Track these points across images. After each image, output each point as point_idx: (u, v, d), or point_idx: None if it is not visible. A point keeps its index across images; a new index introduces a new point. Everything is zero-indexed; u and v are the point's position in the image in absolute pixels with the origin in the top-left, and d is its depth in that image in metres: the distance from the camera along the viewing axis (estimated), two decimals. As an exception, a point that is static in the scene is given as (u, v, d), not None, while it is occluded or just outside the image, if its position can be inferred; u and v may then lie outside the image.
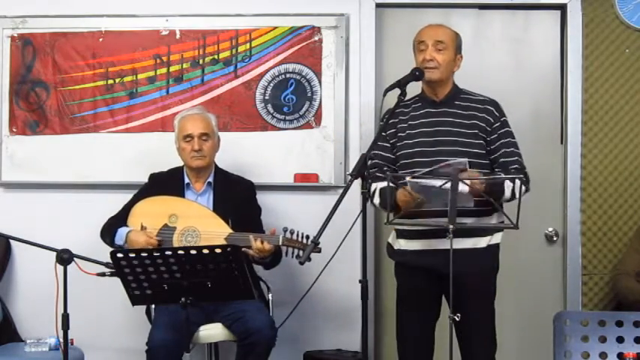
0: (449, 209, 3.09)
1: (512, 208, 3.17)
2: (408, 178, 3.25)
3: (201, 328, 3.72)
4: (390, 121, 3.50)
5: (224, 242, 3.62)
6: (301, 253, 3.53)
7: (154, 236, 3.73)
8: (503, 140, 3.48)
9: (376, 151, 3.48)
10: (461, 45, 3.56)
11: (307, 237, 3.60)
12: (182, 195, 3.90)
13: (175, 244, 3.70)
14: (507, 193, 3.37)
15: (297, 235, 3.64)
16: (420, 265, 3.47)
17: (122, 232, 3.79)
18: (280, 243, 3.64)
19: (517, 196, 3.33)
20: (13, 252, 4.37)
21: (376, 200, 3.49)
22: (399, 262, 3.60)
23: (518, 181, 3.34)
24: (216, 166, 3.98)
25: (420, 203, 3.26)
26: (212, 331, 3.75)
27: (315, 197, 4.29)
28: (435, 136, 3.46)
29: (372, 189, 3.46)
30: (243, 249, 3.57)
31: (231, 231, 3.70)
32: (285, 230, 3.65)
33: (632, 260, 4.00)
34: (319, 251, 3.42)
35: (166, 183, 3.94)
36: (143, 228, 3.78)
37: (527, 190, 3.42)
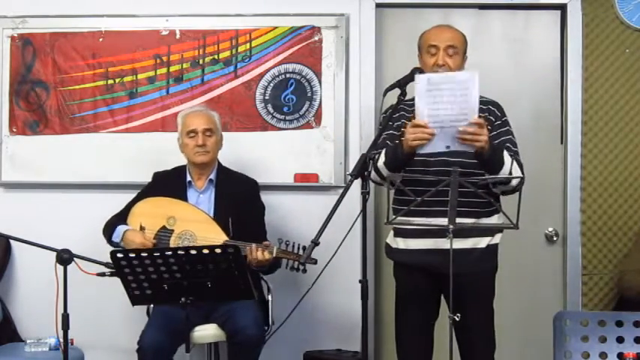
0: (449, 209, 3.09)
1: (512, 208, 3.17)
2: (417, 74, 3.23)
3: (196, 328, 3.72)
4: (394, 116, 3.49)
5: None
6: (296, 264, 3.52)
7: (150, 239, 3.73)
8: (503, 137, 3.47)
9: (385, 135, 3.44)
10: (467, 46, 3.55)
11: (304, 248, 3.58)
12: (184, 193, 3.90)
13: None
14: (507, 165, 3.31)
15: (292, 247, 3.63)
16: (418, 265, 3.47)
17: (120, 229, 3.79)
18: (274, 255, 3.63)
19: (513, 183, 3.32)
20: (13, 252, 4.37)
21: (381, 160, 3.38)
22: (398, 262, 3.60)
23: (516, 163, 3.34)
24: (219, 163, 3.98)
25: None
26: (206, 332, 3.75)
27: (315, 197, 4.29)
28: (438, 136, 3.46)
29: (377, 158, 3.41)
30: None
31: (227, 238, 3.69)
32: (280, 242, 3.64)
33: (637, 257, 4.00)
34: (315, 263, 3.42)
35: (169, 181, 3.95)
36: (142, 228, 3.78)
37: (520, 182, 3.35)
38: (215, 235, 3.68)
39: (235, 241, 3.61)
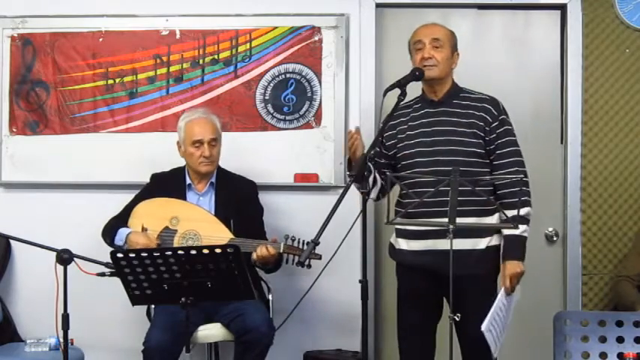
0: (449, 209, 3.09)
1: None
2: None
3: (200, 328, 3.73)
4: (390, 123, 3.49)
5: None
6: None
7: (153, 240, 3.73)
8: (501, 140, 3.47)
9: (372, 153, 3.46)
10: (457, 43, 3.56)
11: (308, 244, 3.59)
12: (184, 195, 3.90)
13: None
14: (527, 231, 3.42)
15: (299, 243, 3.64)
16: (419, 266, 3.47)
17: (122, 232, 3.79)
18: (282, 250, 3.64)
19: (529, 218, 3.39)
20: (13, 252, 4.37)
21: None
22: (400, 262, 3.60)
23: (526, 208, 3.36)
24: (218, 166, 3.98)
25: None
26: (211, 331, 3.76)
27: (315, 197, 4.29)
28: (434, 136, 3.46)
29: None
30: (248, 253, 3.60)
31: (232, 236, 3.70)
32: (286, 237, 3.64)
33: (634, 263, 4.00)
34: (319, 258, 3.43)
35: (168, 183, 3.94)
36: (144, 229, 3.78)
37: (529, 205, 3.44)
38: (220, 234, 3.68)
39: (241, 239, 3.62)
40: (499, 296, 3.25)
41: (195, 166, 3.88)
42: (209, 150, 3.84)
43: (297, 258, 3.56)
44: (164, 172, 4.03)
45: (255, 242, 3.65)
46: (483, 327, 3.04)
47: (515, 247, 3.40)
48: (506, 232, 3.41)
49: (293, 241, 3.63)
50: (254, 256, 3.62)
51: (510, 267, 3.37)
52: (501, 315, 3.21)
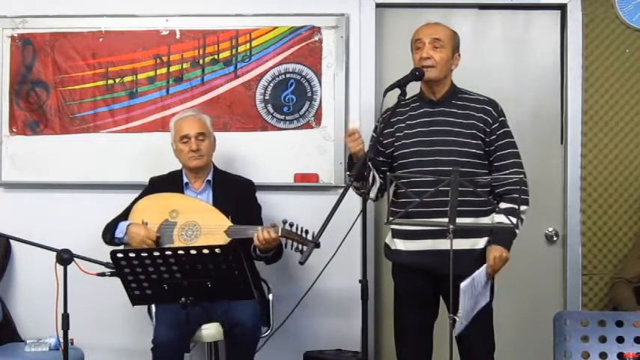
0: (449, 209, 3.09)
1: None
2: None
3: (203, 327, 3.73)
4: (391, 120, 3.50)
5: (225, 235, 3.64)
6: (300, 246, 3.53)
7: (153, 233, 3.74)
8: (501, 142, 3.47)
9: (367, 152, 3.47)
10: (459, 43, 3.56)
11: (306, 231, 3.60)
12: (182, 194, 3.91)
13: (175, 239, 3.72)
14: (519, 228, 3.37)
15: (297, 229, 3.64)
16: (417, 266, 3.47)
17: (123, 225, 3.81)
18: (280, 234, 3.64)
19: (523, 217, 3.36)
20: (13, 252, 4.37)
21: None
22: (396, 263, 3.60)
23: (524, 207, 3.34)
24: (214, 166, 3.99)
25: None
26: (211, 331, 3.76)
27: (315, 197, 4.29)
28: (432, 136, 3.46)
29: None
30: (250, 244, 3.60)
31: (230, 224, 3.70)
32: (284, 222, 3.64)
33: (633, 267, 3.99)
34: (318, 246, 3.42)
35: (166, 184, 3.96)
36: (144, 224, 3.79)
37: (527, 204, 3.42)
38: (219, 222, 3.69)
39: (241, 226, 3.64)
40: (481, 269, 3.22)
41: (185, 161, 3.89)
42: (196, 144, 3.86)
43: (295, 244, 3.56)
44: (162, 174, 4.04)
45: (254, 228, 3.65)
46: (463, 284, 3.00)
47: (504, 236, 3.39)
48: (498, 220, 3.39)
49: (291, 226, 3.63)
50: (256, 241, 3.62)
51: (496, 250, 3.35)
52: (476, 293, 3.17)
